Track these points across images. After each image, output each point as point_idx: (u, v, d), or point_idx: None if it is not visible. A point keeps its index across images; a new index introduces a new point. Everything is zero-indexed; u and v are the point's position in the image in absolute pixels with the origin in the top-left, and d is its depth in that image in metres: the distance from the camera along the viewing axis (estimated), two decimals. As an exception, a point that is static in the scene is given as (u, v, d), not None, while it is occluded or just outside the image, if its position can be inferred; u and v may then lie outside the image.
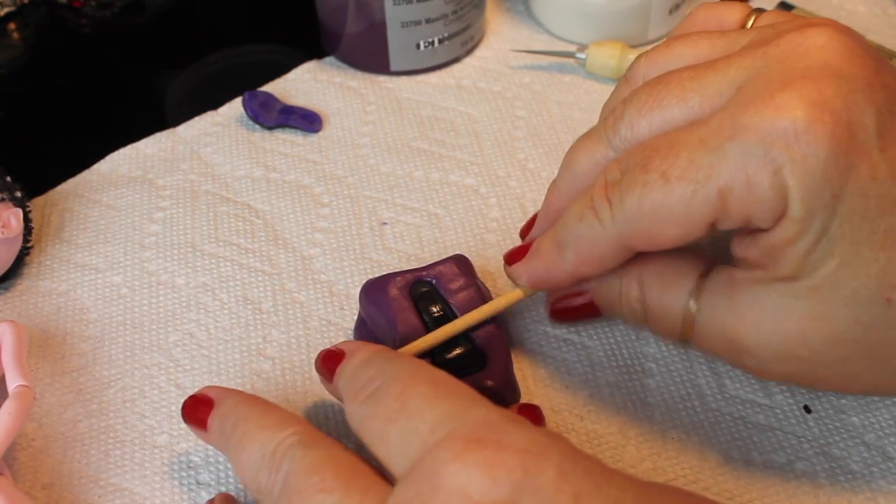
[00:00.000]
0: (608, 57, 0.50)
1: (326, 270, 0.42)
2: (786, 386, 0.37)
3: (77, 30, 0.56)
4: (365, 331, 0.38)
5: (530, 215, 0.44)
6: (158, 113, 0.50)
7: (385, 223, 0.44)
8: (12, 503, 0.32)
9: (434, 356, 0.35)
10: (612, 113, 0.33)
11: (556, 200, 0.35)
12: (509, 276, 0.36)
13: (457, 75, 0.51)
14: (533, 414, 0.33)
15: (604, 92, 0.50)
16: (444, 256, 0.38)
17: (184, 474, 0.35)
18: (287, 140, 0.48)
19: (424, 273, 0.37)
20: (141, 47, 0.55)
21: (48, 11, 0.57)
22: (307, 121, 0.48)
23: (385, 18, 0.48)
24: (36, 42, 0.56)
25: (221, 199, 0.45)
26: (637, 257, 0.33)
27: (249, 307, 0.40)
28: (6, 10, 0.56)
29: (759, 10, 0.35)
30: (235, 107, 0.50)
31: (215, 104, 0.50)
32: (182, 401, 0.37)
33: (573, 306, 0.36)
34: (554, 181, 0.36)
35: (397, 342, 0.35)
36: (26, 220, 0.41)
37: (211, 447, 0.36)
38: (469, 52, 0.52)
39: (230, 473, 0.35)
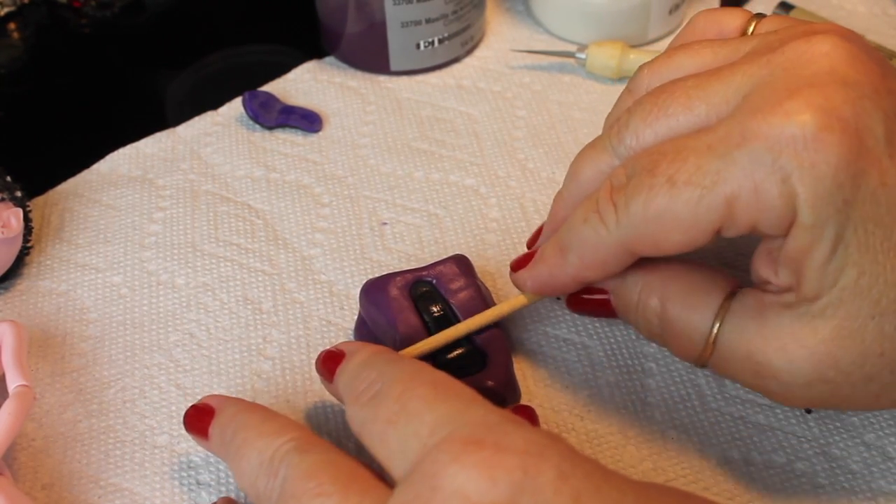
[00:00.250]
0: (608, 57, 0.50)
1: (326, 270, 0.42)
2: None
3: (77, 30, 0.56)
4: (365, 331, 0.38)
5: (530, 215, 0.44)
6: (158, 113, 0.50)
7: (385, 223, 0.44)
8: (12, 503, 0.32)
9: (435, 356, 0.35)
10: (616, 122, 0.33)
11: (562, 210, 0.35)
12: (515, 283, 0.36)
13: (457, 75, 0.51)
14: (527, 414, 0.33)
15: (604, 92, 0.50)
16: (444, 256, 0.38)
17: (184, 474, 0.35)
18: (287, 140, 0.48)
19: (424, 273, 0.37)
20: (141, 47, 0.55)
21: (48, 11, 0.57)
22: (307, 121, 0.48)
23: (385, 18, 0.48)
24: (36, 42, 0.56)
25: (221, 199, 0.45)
26: (661, 270, 0.33)
27: (249, 307, 0.40)
28: (6, 10, 0.56)
29: (760, 16, 0.35)
30: (235, 107, 0.50)
31: (215, 104, 0.50)
32: (182, 401, 0.37)
33: (590, 298, 0.35)
34: (559, 191, 0.36)
35: (397, 342, 0.35)
36: (26, 220, 0.41)
37: (211, 447, 0.36)
38: (469, 52, 0.52)
39: (230, 474, 0.35)
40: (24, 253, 0.42)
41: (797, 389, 0.31)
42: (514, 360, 0.37)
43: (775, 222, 0.29)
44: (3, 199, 0.40)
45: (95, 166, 0.47)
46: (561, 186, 0.35)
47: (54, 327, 0.40)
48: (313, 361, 0.34)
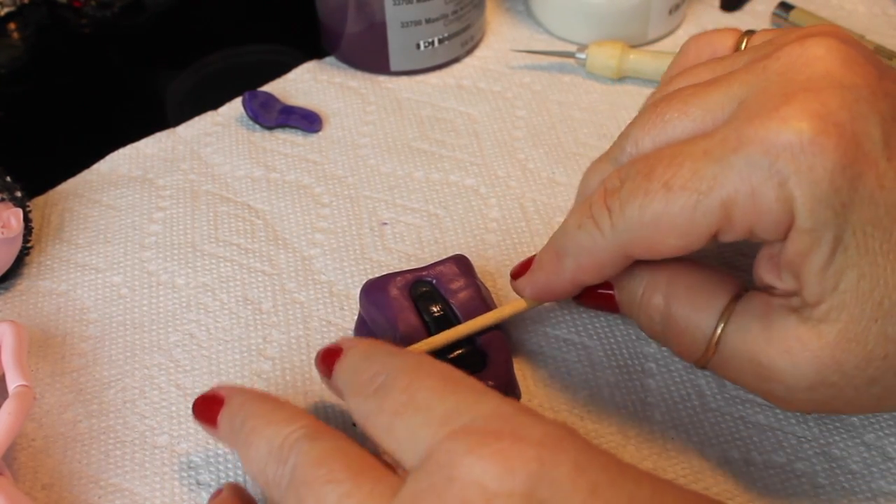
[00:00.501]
0: (608, 57, 0.50)
1: (326, 270, 0.42)
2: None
3: (77, 30, 0.56)
4: (365, 331, 0.38)
5: (530, 215, 0.44)
6: (158, 113, 0.50)
7: (385, 223, 0.44)
8: (12, 503, 0.32)
9: (435, 357, 0.35)
10: (619, 135, 0.34)
11: None
12: (515, 290, 0.36)
13: (457, 75, 0.51)
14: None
15: (604, 92, 0.50)
16: (444, 256, 0.39)
17: (184, 475, 0.35)
18: (287, 140, 0.48)
19: (424, 273, 0.37)
20: (141, 47, 0.55)
21: (48, 11, 0.57)
22: (307, 121, 0.48)
23: (385, 18, 0.48)
24: (36, 42, 0.56)
25: (221, 199, 0.45)
26: (667, 268, 0.33)
27: (249, 307, 0.40)
28: (6, 10, 0.56)
29: (750, 32, 0.35)
30: (235, 107, 0.50)
31: (215, 104, 0.50)
32: (182, 401, 0.37)
33: (603, 293, 0.35)
34: (572, 208, 0.36)
35: (397, 342, 0.35)
36: (26, 220, 0.41)
37: (211, 447, 0.36)
38: (469, 52, 0.52)
39: (230, 474, 0.35)
40: (24, 253, 0.42)
41: (800, 393, 0.31)
42: (514, 360, 0.37)
43: (773, 226, 0.29)
44: (3, 199, 0.40)
45: (95, 166, 0.47)
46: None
47: (54, 327, 0.40)
48: (313, 361, 0.34)
